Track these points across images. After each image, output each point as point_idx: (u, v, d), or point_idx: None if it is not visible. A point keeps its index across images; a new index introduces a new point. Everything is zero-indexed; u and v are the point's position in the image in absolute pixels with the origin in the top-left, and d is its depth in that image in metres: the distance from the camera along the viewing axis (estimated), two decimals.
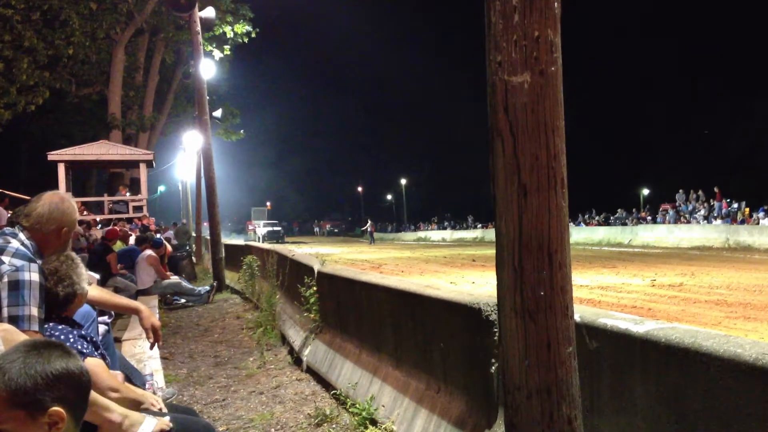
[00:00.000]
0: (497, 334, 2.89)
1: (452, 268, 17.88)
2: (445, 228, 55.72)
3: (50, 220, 2.63)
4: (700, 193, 33.05)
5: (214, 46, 27.09)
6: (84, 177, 30.26)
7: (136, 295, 9.60)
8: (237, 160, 71.48)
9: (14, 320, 2.34)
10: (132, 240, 12.75)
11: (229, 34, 26.97)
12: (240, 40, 27.82)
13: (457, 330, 3.42)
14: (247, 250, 13.77)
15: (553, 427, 1.95)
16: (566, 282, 1.96)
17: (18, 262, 2.43)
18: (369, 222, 52.67)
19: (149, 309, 3.25)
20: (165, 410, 2.50)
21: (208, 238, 17.53)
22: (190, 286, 11.56)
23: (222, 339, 7.88)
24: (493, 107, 1.97)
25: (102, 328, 3.85)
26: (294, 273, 7.63)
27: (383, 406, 4.11)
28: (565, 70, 1.97)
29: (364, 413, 4.16)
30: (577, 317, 2.34)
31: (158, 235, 13.29)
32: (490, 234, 39.47)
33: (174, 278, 11.25)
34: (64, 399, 1.44)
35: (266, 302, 8.44)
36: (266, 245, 14.87)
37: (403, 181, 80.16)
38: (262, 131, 77.19)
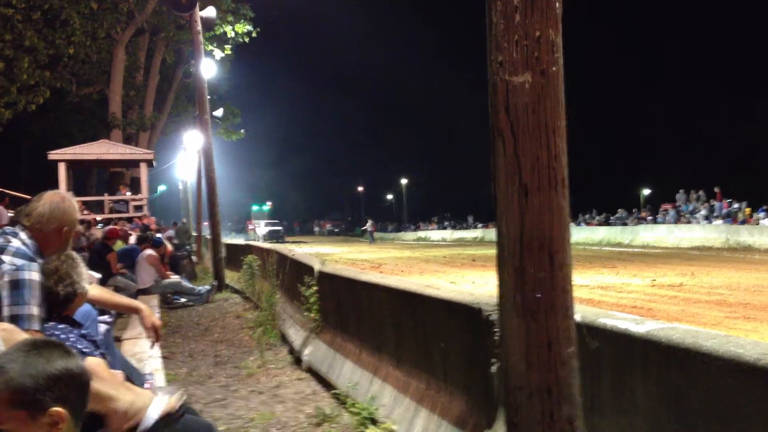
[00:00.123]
0: (498, 333, 2.89)
1: (452, 267, 17.88)
2: (445, 228, 55.70)
3: (51, 220, 2.63)
4: (700, 193, 33.02)
5: (215, 45, 27.10)
6: (84, 176, 30.34)
7: (137, 294, 9.59)
8: (237, 159, 71.40)
9: (15, 319, 2.34)
10: (132, 239, 12.75)
11: (230, 34, 26.99)
12: (240, 40, 27.82)
13: (458, 330, 3.42)
14: (247, 249, 13.78)
15: (554, 426, 1.95)
16: (567, 282, 1.96)
17: (19, 262, 2.43)
18: (369, 222, 52.65)
19: (149, 308, 3.25)
20: None
21: (209, 237, 17.54)
22: (190, 285, 11.56)
23: (222, 338, 7.88)
24: (494, 107, 1.97)
25: (102, 328, 3.85)
26: (294, 272, 7.63)
27: (383, 405, 4.11)
28: (566, 70, 1.97)
29: (364, 413, 4.15)
30: (577, 317, 2.34)
31: (158, 235, 13.29)
32: (491, 234, 39.48)
33: (174, 278, 11.25)
34: (65, 399, 1.43)
35: (266, 302, 8.45)
36: (266, 245, 14.87)
37: (404, 181, 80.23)
38: (263, 131, 77.11)
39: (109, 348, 3.62)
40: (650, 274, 14.14)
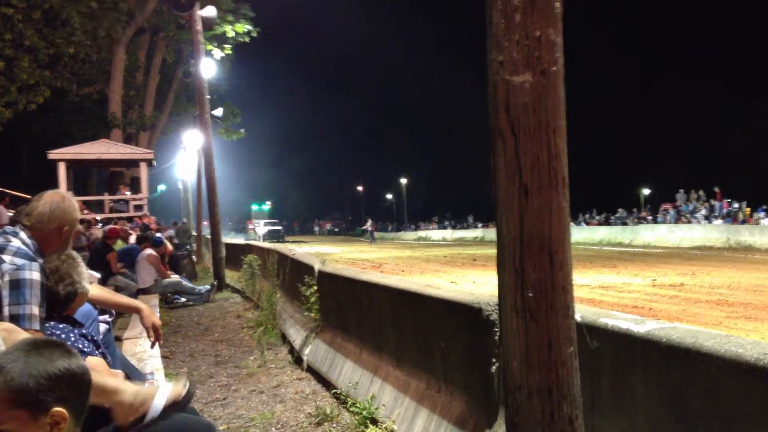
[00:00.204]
0: (498, 333, 2.89)
1: (453, 267, 17.88)
2: (445, 227, 55.72)
3: (51, 219, 2.63)
4: (700, 192, 33.04)
5: (215, 45, 27.07)
6: (84, 176, 30.29)
7: (137, 293, 9.60)
8: (237, 159, 71.42)
9: (15, 319, 2.34)
10: (132, 239, 12.75)
11: (230, 34, 26.96)
12: (241, 40, 27.82)
13: (458, 329, 3.42)
14: (247, 249, 13.78)
15: (554, 426, 1.95)
16: (567, 282, 1.96)
17: (19, 261, 2.43)
18: (369, 221, 52.63)
19: (150, 308, 3.25)
20: None
21: (209, 237, 17.54)
22: (190, 285, 11.56)
23: (222, 338, 7.88)
24: (494, 107, 1.96)
25: (103, 327, 3.85)
26: (294, 272, 7.63)
27: (384, 405, 4.11)
28: (566, 69, 1.97)
29: (364, 412, 4.16)
30: (578, 317, 2.34)
31: (159, 234, 13.28)
32: (491, 233, 39.48)
33: (174, 277, 11.24)
34: (66, 399, 1.43)
35: (267, 301, 8.45)
36: (267, 244, 14.88)
37: (404, 181, 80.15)
38: (263, 130, 77.15)
39: (110, 347, 3.63)
40: (651, 273, 14.14)
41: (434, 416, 3.53)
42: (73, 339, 2.49)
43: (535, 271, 1.92)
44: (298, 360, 6.17)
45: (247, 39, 27.81)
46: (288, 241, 47.27)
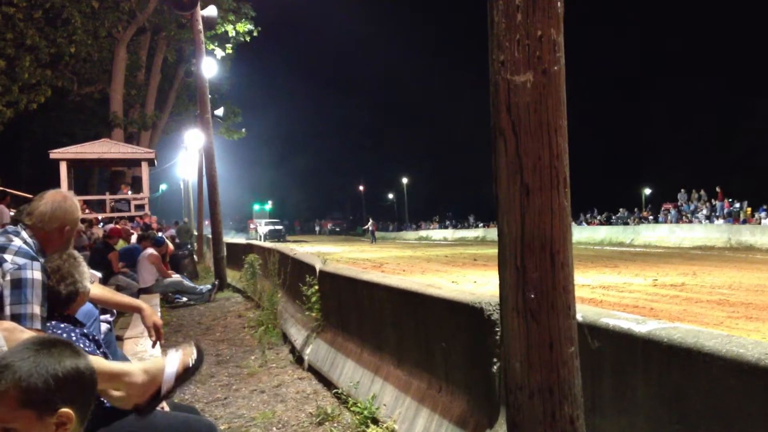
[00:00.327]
0: (499, 333, 2.89)
1: (454, 267, 17.88)
2: (446, 227, 55.74)
3: (53, 219, 2.63)
4: (702, 192, 33.06)
5: (216, 44, 27.10)
6: (86, 175, 30.35)
7: (138, 293, 9.60)
8: (239, 158, 71.45)
9: (17, 318, 2.34)
10: (134, 238, 12.76)
11: (231, 33, 26.98)
12: (242, 39, 27.82)
13: (459, 329, 3.42)
14: (248, 248, 13.78)
15: (555, 426, 1.95)
16: (568, 282, 1.96)
17: (21, 261, 2.43)
18: (370, 221, 52.61)
19: (151, 307, 3.25)
20: (168, 409, 2.50)
21: (210, 236, 17.54)
22: (191, 284, 11.56)
23: (224, 337, 7.88)
24: (495, 107, 1.96)
25: (104, 327, 3.86)
26: (296, 272, 7.64)
27: (385, 405, 4.11)
28: (568, 69, 1.97)
29: (365, 412, 4.16)
30: (579, 317, 2.34)
31: (160, 234, 13.29)
32: (492, 233, 39.48)
33: (176, 277, 11.25)
34: (73, 399, 1.42)
35: (268, 301, 8.45)
36: (268, 244, 14.89)
37: (405, 180, 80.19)
38: (264, 130, 77.13)
39: (111, 347, 3.63)
40: (652, 273, 14.14)
41: (435, 416, 3.53)
42: (74, 338, 2.49)
43: (537, 271, 1.92)
44: (299, 360, 6.17)
45: (248, 38, 27.82)
46: (289, 241, 47.29)
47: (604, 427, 2.40)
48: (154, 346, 3.33)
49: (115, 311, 4.53)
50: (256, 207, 73.06)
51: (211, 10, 15.07)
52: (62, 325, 2.56)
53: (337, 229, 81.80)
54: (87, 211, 17.37)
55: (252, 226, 61.97)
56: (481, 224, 50.92)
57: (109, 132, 24.74)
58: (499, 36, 1.92)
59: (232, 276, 13.87)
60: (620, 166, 72.46)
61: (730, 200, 30.60)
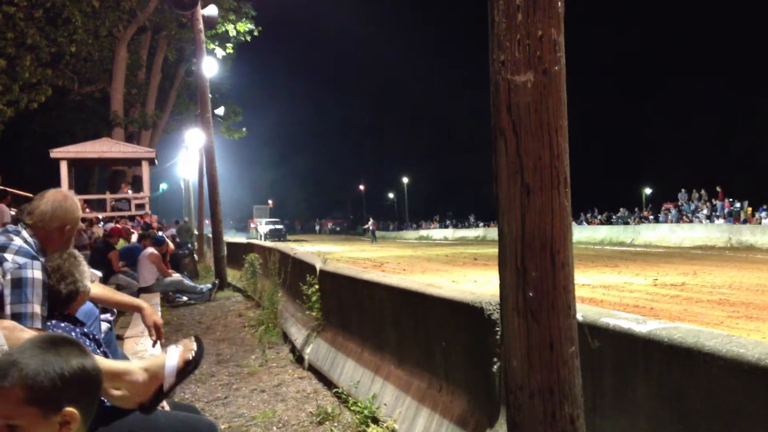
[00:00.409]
0: (499, 333, 2.89)
1: (454, 266, 17.89)
2: (446, 226, 55.74)
3: (53, 218, 2.64)
4: (702, 192, 33.08)
5: (217, 44, 27.10)
6: (86, 175, 30.35)
7: (138, 292, 9.60)
8: (239, 158, 71.43)
9: (17, 318, 2.34)
10: (134, 237, 12.76)
11: (232, 33, 26.98)
12: (242, 39, 27.83)
13: (459, 329, 3.42)
14: (249, 248, 13.79)
15: (556, 426, 1.95)
16: (569, 281, 1.96)
17: (21, 260, 2.43)
18: (371, 220, 52.61)
19: (151, 306, 3.25)
20: (168, 408, 2.50)
21: (210, 235, 17.55)
22: (192, 283, 11.56)
23: (224, 337, 7.88)
24: (496, 107, 1.96)
25: (104, 326, 3.86)
26: (296, 271, 7.64)
27: (385, 404, 4.11)
28: (568, 69, 1.97)
29: (365, 412, 4.16)
30: (579, 317, 2.34)
31: (160, 233, 13.30)
32: (492, 233, 39.48)
33: (176, 276, 11.25)
34: (79, 399, 1.42)
35: (268, 300, 8.45)
36: (268, 243, 14.90)
37: (405, 180, 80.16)
38: (265, 130, 77.02)
39: (111, 346, 3.63)
40: (652, 273, 14.14)
41: (435, 415, 3.53)
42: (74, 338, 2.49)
43: (537, 271, 1.92)
44: (299, 359, 6.17)
45: (248, 38, 27.83)
46: (289, 240, 47.31)
47: (605, 427, 2.40)
48: (154, 345, 3.33)
49: (115, 310, 4.53)
50: (257, 206, 73.01)
51: (212, 10, 15.08)
52: (62, 325, 2.56)
53: (338, 229, 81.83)
54: (87, 210, 17.37)
55: (252, 225, 61.94)
56: (481, 224, 50.91)
57: (110, 131, 24.76)
58: (500, 36, 1.92)
59: (232, 275, 13.88)
60: (621, 165, 72.43)
61: (731, 200, 30.60)
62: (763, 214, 27.21)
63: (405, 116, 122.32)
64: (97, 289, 3.22)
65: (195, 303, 10.99)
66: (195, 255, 18.38)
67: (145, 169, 20.03)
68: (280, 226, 55.27)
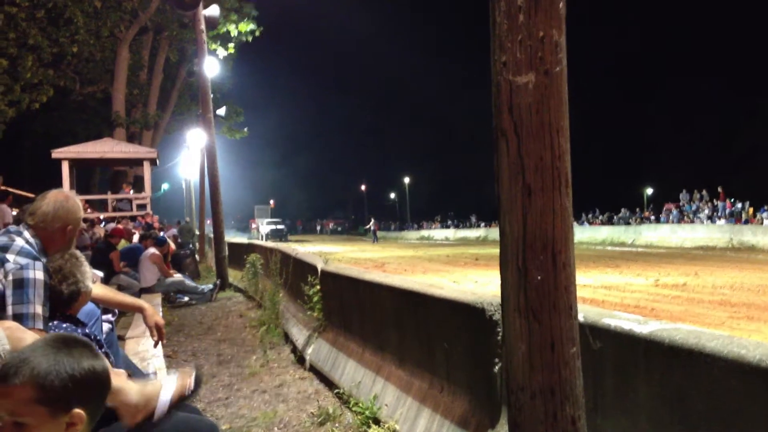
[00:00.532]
0: (500, 333, 2.89)
1: (455, 267, 17.88)
2: (448, 227, 55.72)
3: (55, 219, 2.64)
4: (703, 192, 33.04)
5: (219, 44, 27.12)
6: (88, 175, 30.37)
7: (140, 293, 9.61)
8: (241, 158, 71.55)
9: (19, 318, 2.34)
10: (136, 238, 12.77)
11: (233, 33, 26.99)
12: (244, 39, 27.84)
13: (461, 329, 3.42)
14: (250, 248, 13.80)
15: (557, 427, 1.94)
16: (570, 282, 1.95)
17: (23, 260, 2.43)
18: (372, 221, 52.61)
19: (153, 307, 3.26)
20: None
21: (212, 236, 17.56)
22: (193, 284, 11.57)
23: (225, 337, 7.89)
24: (497, 107, 1.96)
25: (105, 326, 3.86)
26: (297, 271, 7.64)
27: (386, 405, 4.11)
28: (569, 69, 1.97)
29: (367, 412, 4.16)
30: (581, 317, 2.34)
31: (162, 233, 13.30)
32: (494, 233, 39.45)
33: (177, 276, 11.26)
34: (87, 400, 1.43)
35: (269, 301, 8.45)
36: (269, 243, 14.90)
37: (407, 180, 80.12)
38: (266, 130, 77.11)
39: (113, 347, 3.63)
40: (653, 273, 14.13)
41: (437, 416, 3.53)
42: None
43: (538, 271, 1.92)
44: (300, 359, 6.17)
45: (250, 38, 27.84)
46: (291, 240, 47.31)
47: (606, 428, 2.40)
48: (155, 345, 3.33)
49: (116, 311, 4.54)
50: (258, 206, 73.02)
51: (214, 10, 15.08)
52: (64, 325, 2.57)
53: (339, 229, 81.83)
54: (89, 210, 17.39)
55: (254, 225, 61.93)
56: (482, 224, 50.90)
57: (111, 131, 24.78)
58: (501, 37, 1.92)
59: (233, 275, 13.88)
60: (622, 166, 72.42)
61: (732, 200, 30.56)
62: (765, 214, 27.18)
63: (406, 116, 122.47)
64: (99, 290, 3.22)
65: (196, 303, 10.99)
66: (196, 255, 18.40)
67: (147, 170, 20.04)
68: (282, 227, 55.24)
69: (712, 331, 2.16)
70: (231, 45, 27.89)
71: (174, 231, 20.96)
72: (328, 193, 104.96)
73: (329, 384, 5.21)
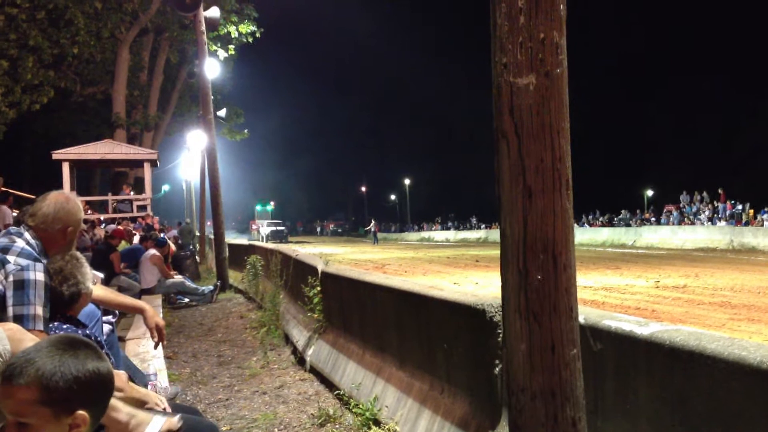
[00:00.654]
0: (501, 335, 2.89)
1: (455, 268, 17.87)
2: (448, 228, 55.69)
3: (56, 220, 2.64)
4: (704, 194, 33.02)
5: (219, 45, 27.14)
6: (88, 176, 30.35)
7: (140, 294, 9.61)
8: (241, 159, 71.59)
9: (19, 319, 2.34)
10: (136, 239, 12.77)
11: (234, 34, 27.02)
12: (244, 40, 27.86)
13: (461, 331, 3.42)
14: (250, 249, 13.80)
15: (557, 428, 1.94)
16: (571, 284, 1.96)
17: (23, 262, 2.43)
18: (373, 222, 52.63)
19: (153, 308, 3.26)
20: (169, 410, 2.50)
21: (212, 237, 17.57)
22: (193, 285, 11.58)
23: (225, 338, 7.88)
24: (498, 109, 1.97)
25: (106, 328, 3.86)
26: (298, 273, 7.64)
27: (387, 406, 4.11)
28: (570, 70, 1.97)
29: (367, 414, 4.16)
30: (581, 319, 2.34)
31: (162, 235, 13.31)
32: (494, 234, 39.47)
33: (178, 277, 11.26)
34: (91, 402, 1.43)
35: (270, 302, 8.45)
36: (270, 245, 14.89)
37: (407, 181, 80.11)
38: (267, 131, 77.10)
39: (113, 348, 3.64)
40: (654, 275, 14.12)
41: (437, 418, 3.53)
42: None
43: (539, 273, 1.92)
44: (301, 361, 6.17)
45: (250, 39, 27.86)
46: (291, 242, 47.31)
47: (606, 430, 2.40)
48: (156, 347, 3.33)
49: (117, 312, 4.54)
50: (259, 208, 73.03)
51: (214, 12, 15.10)
52: (65, 326, 2.57)
53: (339, 230, 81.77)
54: (89, 211, 17.38)
55: (254, 227, 61.95)
56: (483, 225, 50.86)
57: (112, 133, 24.78)
58: (502, 38, 1.93)
59: (234, 277, 13.88)
60: (622, 167, 72.33)
61: (733, 202, 30.53)
62: (765, 216, 27.16)
63: (406, 117, 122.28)
64: (99, 291, 3.22)
65: (197, 305, 10.99)
66: (197, 257, 18.41)
67: (147, 171, 20.04)
68: (282, 228, 55.24)
69: (713, 332, 2.16)
70: (231, 46, 27.92)
71: (174, 232, 20.99)
72: (328, 194, 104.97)
73: (330, 385, 5.21)
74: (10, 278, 2.38)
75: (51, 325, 2.49)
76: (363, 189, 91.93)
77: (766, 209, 27.76)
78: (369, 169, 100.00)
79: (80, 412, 1.40)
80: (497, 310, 3.01)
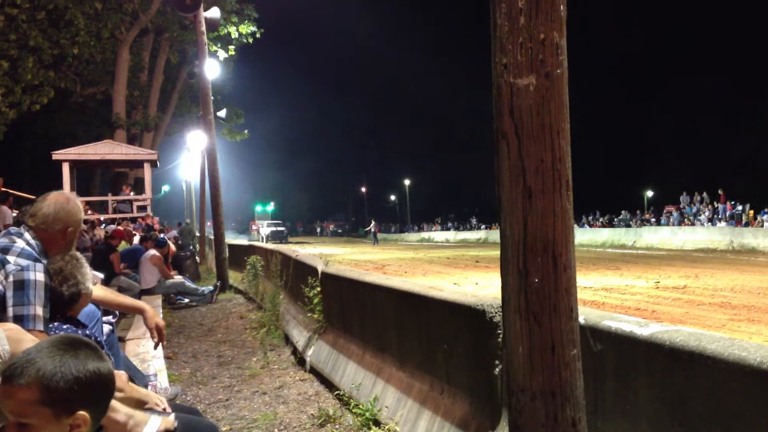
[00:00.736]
0: (501, 335, 2.89)
1: (455, 269, 17.87)
2: (448, 229, 55.68)
3: (56, 220, 2.64)
4: (704, 195, 33.02)
5: (219, 46, 27.14)
6: (88, 177, 30.36)
7: (140, 294, 9.61)
8: (241, 160, 71.53)
9: (19, 320, 2.34)
10: (136, 239, 12.77)
11: (234, 35, 27.02)
12: (245, 41, 27.86)
13: (461, 331, 3.42)
14: (250, 250, 13.80)
15: (557, 429, 1.94)
16: (571, 284, 1.96)
17: (23, 262, 2.44)
18: (373, 222, 52.63)
19: (153, 308, 3.26)
20: (169, 410, 2.50)
21: (212, 237, 17.57)
22: (193, 285, 11.58)
23: (225, 339, 7.88)
24: (498, 109, 1.97)
25: (106, 328, 3.86)
26: (298, 273, 7.64)
27: (386, 407, 4.11)
28: (570, 71, 1.97)
29: (367, 414, 4.16)
30: (581, 319, 2.34)
31: (162, 235, 13.31)
32: (494, 235, 39.46)
33: (178, 278, 11.26)
34: (91, 403, 1.43)
35: (270, 302, 8.45)
36: (270, 245, 14.89)
37: (407, 182, 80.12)
38: (267, 132, 77.09)
39: (113, 348, 3.64)
40: (654, 276, 14.12)
41: (437, 418, 3.53)
42: None
43: (539, 274, 1.92)
44: (301, 361, 6.17)
45: (250, 40, 27.86)
46: (291, 242, 47.31)
47: (606, 430, 2.40)
48: (156, 347, 3.33)
49: (117, 312, 4.54)
50: (259, 208, 73.03)
51: (214, 12, 15.11)
52: (65, 327, 2.57)
53: (339, 231, 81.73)
54: (89, 212, 17.38)
55: (254, 227, 61.96)
56: (483, 226, 50.85)
57: (112, 133, 24.78)
58: (502, 39, 1.93)
59: (234, 277, 13.88)
60: (622, 168, 72.32)
61: (733, 203, 30.53)
62: (765, 217, 27.16)
63: (406, 117, 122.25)
64: (99, 291, 3.22)
65: (197, 305, 10.99)
66: (197, 257, 18.41)
67: (147, 171, 20.03)
68: (282, 228, 55.25)
69: (713, 333, 2.16)
70: (231, 47, 27.91)
71: (174, 233, 20.99)
72: (328, 195, 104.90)
73: (329, 386, 5.21)
74: (10, 278, 2.38)
75: (51, 326, 2.49)
76: (363, 189, 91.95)
77: (766, 210, 27.77)
78: (369, 170, 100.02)
79: (81, 412, 1.40)
80: (497, 311, 3.01)
